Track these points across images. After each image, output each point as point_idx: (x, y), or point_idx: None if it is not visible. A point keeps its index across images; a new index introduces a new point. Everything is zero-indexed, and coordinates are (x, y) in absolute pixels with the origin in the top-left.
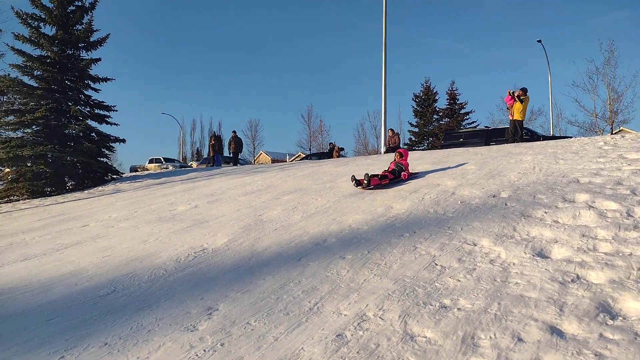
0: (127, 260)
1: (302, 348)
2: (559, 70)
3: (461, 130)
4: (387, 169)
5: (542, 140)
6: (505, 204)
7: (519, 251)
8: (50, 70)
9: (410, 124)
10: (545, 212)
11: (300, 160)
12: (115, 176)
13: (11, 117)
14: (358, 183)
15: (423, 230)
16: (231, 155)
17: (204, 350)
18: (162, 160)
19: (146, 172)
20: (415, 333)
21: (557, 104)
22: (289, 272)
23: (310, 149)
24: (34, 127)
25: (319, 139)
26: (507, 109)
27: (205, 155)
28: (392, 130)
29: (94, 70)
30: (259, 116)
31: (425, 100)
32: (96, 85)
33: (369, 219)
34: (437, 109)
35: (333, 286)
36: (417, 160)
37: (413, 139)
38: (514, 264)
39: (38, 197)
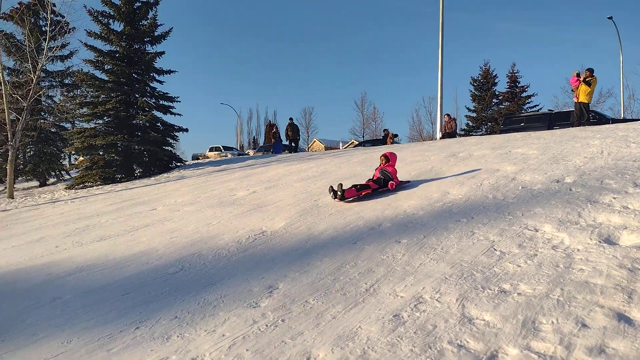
0: (193, 242)
1: (360, 327)
2: (631, 48)
3: (522, 115)
4: (372, 176)
5: (612, 123)
6: (570, 189)
7: (584, 237)
8: (119, 64)
9: (468, 108)
10: (614, 198)
11: (354, 147)
12: (179, 164)
13: (85, 109)
14: (336, 195)
15: (481, 216)
16: (288, 143)
17: (266, 326)
18: (222, 148)
19: (207, 160)
20: (473, 316)
21: (629, 84)
22: (345, 255)
23: (363, 136)
24: (105, 118)
25: (372, 125)
26: (572, 91)
27: (261, 144)
28: (448, 115)
29: (159, 63)
30: (313, 104)
31: (484, 84)
32: (160, 78)
33: (425, 204)
34: (497, 93)
35: (389, 269)
36: (475, 145)
37: (470, 124)
38: (578, 250)
39: (110, 184)
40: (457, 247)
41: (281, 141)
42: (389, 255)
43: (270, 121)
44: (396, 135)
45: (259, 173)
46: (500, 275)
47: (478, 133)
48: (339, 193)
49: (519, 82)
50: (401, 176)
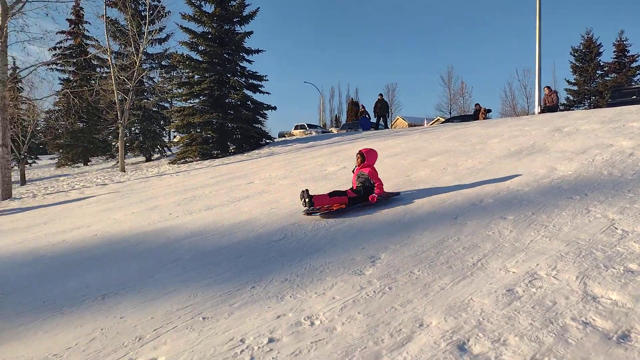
0: (292, 212)
1: (471, 299)
2: None
3: (634, 86)
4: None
5: None
6: None
7: None
8: (212, 45)
9: (568, 81)
10: None
11: (441, 124)
12: (268, 141)
13: (182, 89)
14: (305, 202)
15: (596, 193)
16: (376, 120)
17: (374, 292)
18: (306, 126)
19: (293, 137)
20: (597, 294)
21: None
22: (446, 230)
23: (450, 112)
24: (200, 97)
25: (460, 101)
26: None
27: (343, 122)
28: (548, 87)
29: (247, 43)
30: (397, 80)
31: (586, 55)
32: (249, 57)
33: (530, 180)
34: (601, 64)
35: (496, 245)
36: (581, 119)
37: (571, 98)
38: None
39: (207, 159)
40: (571, 224)
41: (369, 118)
42: (494, 231)
43: (352, 99)
44: (489, 111)
45: (346, 149)
46: (624, 255)
47: (580, 107)
48: (306, 199)
49: (627, 51)
50: (472, 162)
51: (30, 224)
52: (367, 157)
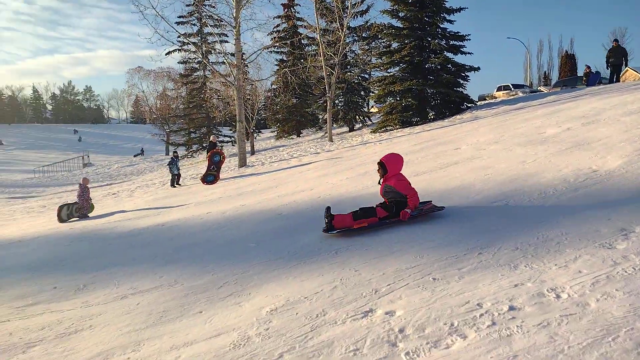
0: (510, 179)
1: None
2: None
3: None
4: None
5: None
6: None
7: None
8: (412, 10)
9: None
10: None
11: None
12: (470, 105)
13: (382, 59)
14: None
15: None
16: (610, 71)
17: (634, 269)
18: (511, 86)
19: (498, 100)
20: None
21: None
22: None
23: None
24: (400, 64)
25: None
26: None
27: (553, 79)
28: None
29: (449, 2)
30: (626, 23)
31: None
32: (450, 17)
33: None
34: None
35: None
36: None
37: None
38: None
39: (407, 127)
40: None
41: (598, 74)
42: None
43: (566, 52)
44: None
45: (567, 109)
46: None
47: None
48: (325, 220)
49: None
50: None
51: (265, 187)
52: (388, 167)
